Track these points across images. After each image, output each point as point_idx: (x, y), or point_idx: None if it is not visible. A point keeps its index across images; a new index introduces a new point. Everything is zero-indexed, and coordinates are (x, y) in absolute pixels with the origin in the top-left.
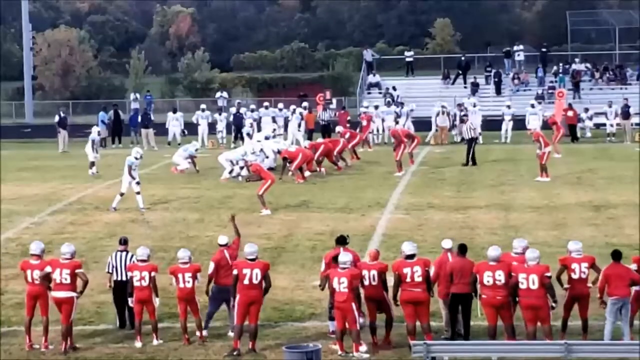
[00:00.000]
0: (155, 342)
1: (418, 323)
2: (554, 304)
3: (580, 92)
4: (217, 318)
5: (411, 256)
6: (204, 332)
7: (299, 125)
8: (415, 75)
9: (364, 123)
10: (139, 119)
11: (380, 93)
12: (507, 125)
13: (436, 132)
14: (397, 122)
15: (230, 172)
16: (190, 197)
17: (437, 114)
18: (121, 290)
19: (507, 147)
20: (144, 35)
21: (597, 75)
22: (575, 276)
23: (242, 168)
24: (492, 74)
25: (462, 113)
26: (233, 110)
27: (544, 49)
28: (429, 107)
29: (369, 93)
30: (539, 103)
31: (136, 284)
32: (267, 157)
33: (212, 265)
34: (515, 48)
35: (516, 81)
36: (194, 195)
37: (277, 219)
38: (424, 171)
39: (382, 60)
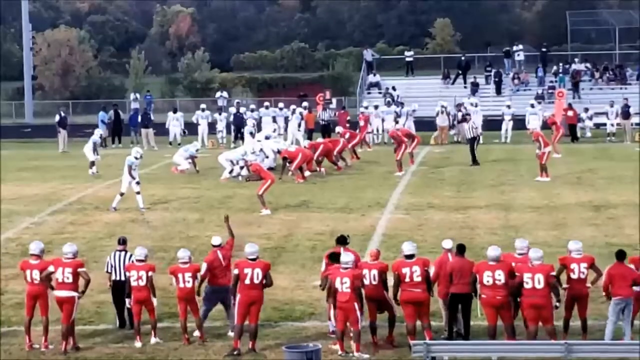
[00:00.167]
0: (153, 340)
1: (418, 323)
2: (557, 304)
3: (579, 92)
4: (218, 318)
5: (410, 256)
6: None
7: (299, 125)
8: (415, 75)
9: (362, 123)
10: (139, 119)
11: (380, 93)
12: (507, 125)
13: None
14: (397, 122)
15: (231, 172)
16: (190, 197)
17: (437, 114)
18: (120, 290)
19: (507, 147)
20: (144, 35)
21: (597, 75)
22: (574, 276)
23: (242, 168)
24: (492, 74)
25: (465, 113)
26: (233, 110)
27: (544, 49)
28: (428, 107)
29: (369, 93)
30: (539, 103)
31: (134, 284)
32: (267, 157)
33: (204, 266)
34: (515, 48)
35: (516, 81)
36: (194, 195)
37: (277, 219)
38: (424, 171)
39: (382, 60)
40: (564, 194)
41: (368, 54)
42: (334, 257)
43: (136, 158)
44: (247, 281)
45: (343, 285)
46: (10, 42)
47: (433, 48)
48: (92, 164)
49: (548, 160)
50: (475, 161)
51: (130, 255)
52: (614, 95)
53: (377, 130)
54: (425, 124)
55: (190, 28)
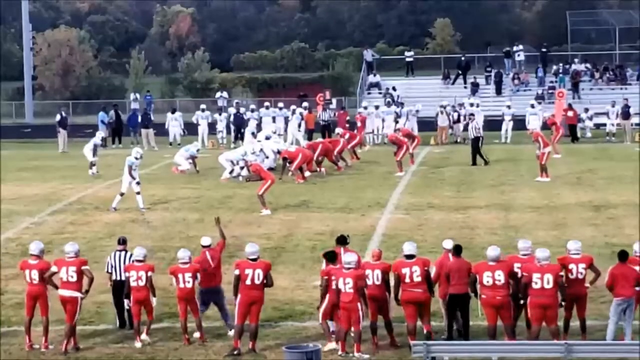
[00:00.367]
0: (143, 336)
1: (419, 323)
2: (563, 302)
3: (579, 92)
4: (218, 318)
5: (410, 256)
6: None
7: (299, 126)
8: (416, 75)
9: (359, 124)
10: (139, 119)
11: (380, 93)
12: (507, 125)
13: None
14: (397, 122)
15: (231, 172)
16: (190, 197)
17: (437, 114)
18: (121, 290)
19: (507, 147)
20: (144, 35)
21: (597, 75)
22: (572, 276)
23: (242, 168)
24: (492, 74)
25: (469, 113)
26: (233, 110)
27: (544, 49)
28: (429, 107)
29: (369, 93)
30: (539, 103)
31: (133, 284)
32: (267, 157)
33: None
34: (515, 48)
35: (516, 81)
36: (194, 195)
37: (277, 219)
38: (424, 171)
39: (382, 60)
40: (564, 194)
41: (368, 54)
42: (330, 256)
43: (136, 158)
44: (248, 281)
45: (346, 285)
46: (10, 42)
47: (433, 48)
48: (92, 164)
49: (548, 160)
50: (476, 162)
51: (131, 255)
52: (614, 95)
53: (377, 131)
54: (425, 124)
55: (190, 28)
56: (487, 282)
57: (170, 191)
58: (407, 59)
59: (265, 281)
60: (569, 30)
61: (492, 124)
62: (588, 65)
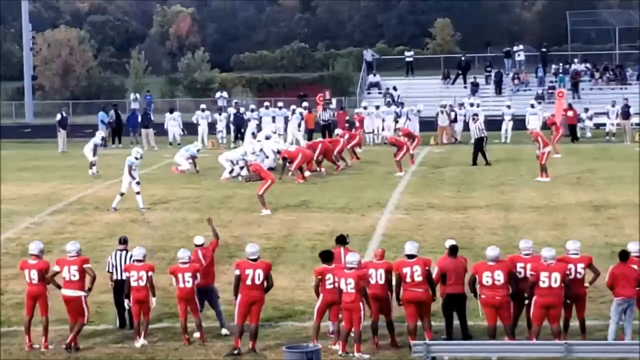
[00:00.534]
0: (141, 340)
1: (419, 323)
2: (568, 301)
3: (579, 92)
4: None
5: (411, 256)
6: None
7: (299, 125)
8: (415, 75)
9: (357, 124)
10: (139, 119)
11: (380, 93)
12: (507, 125)
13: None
14: (397, 122)
15: (231, 172)
16: (190, 197)
17: (437, 114)
18: (121, 289)
19: (507, 147)
20: (144, 35)
21: (597, 75)
22: (571, 276)
23: (242, 168)
24: (492, 74)
25: (472, 113)
26: (233, 110)
27: (544, 49)
28: (429, 107)
29: (369, 93)
30: (539, 103)
31: (133, 284)
32: (267, 157)
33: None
34: (515, 48)
35: (516, 81)
36: (194, 195)
37: (277, 219)
38: (424, 171)
39: (382, 60)
40: (564, 194)
41: (368, 54)
42: (324, 256)
43: (136, 158)
44: (249, 281)
45: (348, 285)
46: (10, 42)
47: (433, 48)
48: (92, 164)
49: (548, 160)
50: (476, 162)
51: (132, 255)
52: (614, 95)
53: (377, 130)
54: (425, 124)
55: (190, 28)
56: (487, 282)
57: (170, 191)
58: (407, 59)
59: (265, 282)
60: (569, 30)
61: (492, 124)
62: (588, 65)
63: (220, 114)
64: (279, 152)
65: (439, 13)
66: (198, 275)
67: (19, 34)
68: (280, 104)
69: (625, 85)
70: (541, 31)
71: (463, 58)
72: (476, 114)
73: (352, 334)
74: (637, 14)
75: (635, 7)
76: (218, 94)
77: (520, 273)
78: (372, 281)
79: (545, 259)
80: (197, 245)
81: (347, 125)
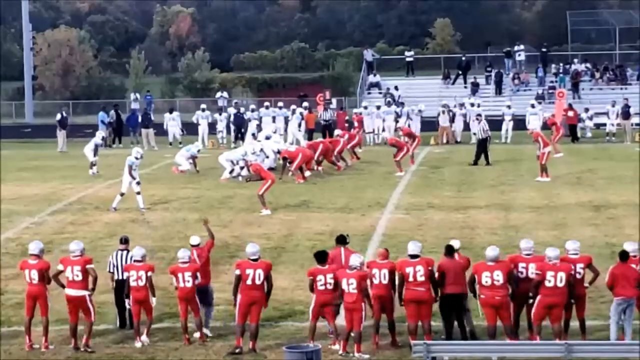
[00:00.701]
0: (143, 337)
1: (420, 323)
2: (572, 300)
3: (579, 92)
4: (218, 318)
5: (414, 256)
6: (206, 331)
7: (299, 125)
8: (416, 75)
9: (356, 124)
10: (139, 119)
11: (380, 93)
12: (507, 125)
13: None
14: (397, 122)
15: (231, 172)
16: (190, 197)
17: (439, 114)
18: (122, 289)
19: (507, 147)
20: (144, 35)
21: (597, 75)
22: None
23: (242, 168)
24: (493, 74)
25: (476, 113)
26: (233, 110)
27: (544, 49)
28: (429, 107)
29: (369, 93)
30: (539, 103)
31: (133, 284)
32: (267, 157)
33: None
34: (516, 48)
35: (516, 81)
36: (194, 195)
37: (277, 219)
38: (424, 171)
39: (382, 60)
40: (564, 194)
41: (368, 54)
42: (318, 257)
43: (136, 158)
44: (249, 281)
45: (350, 286)
46: (10, 42)
47: (433, 48)
48: (92, 164)
49: (548, 160)
50: (477, 162)
51: (132, 255)
52: (614, 95)
53: (378, 130)
54: (425, 124)
55: (190, 28)
56: (486, 282)
57: (170, 191)
58: (407, 59)
59: (265, 282)
60: (569, 30)
61: (493, 124)
62: (588, 65)
63: (220, 114)
64: (279, 152)
65: (439, 13)
66: (199, 274)
67: (19, 34)
68: (280, 104)
69: (625, 85)
70: (541, 31)
71: (463, 58)
72: (479, 114)
73: (352, 334)
74: (637, 14)
75: (635, 7)
76: (218, 94)
77: (521, 273)
78: (376, 281)
79: (550, 258)
80: (192, 246)
81: (346, 125)
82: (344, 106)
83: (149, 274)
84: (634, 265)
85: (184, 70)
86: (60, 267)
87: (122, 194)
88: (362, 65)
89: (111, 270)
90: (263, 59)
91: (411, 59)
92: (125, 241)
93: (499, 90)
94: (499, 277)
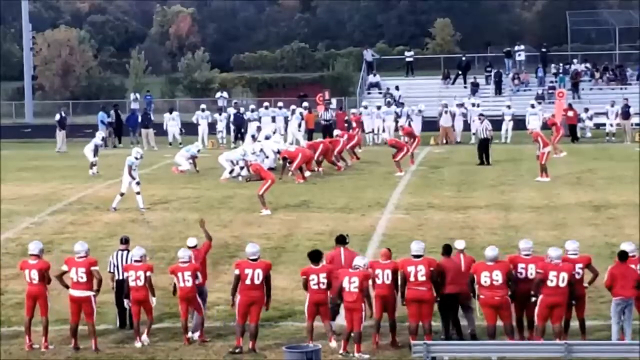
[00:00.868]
0: (144, 337)
1: (420, 323)
2: (573, 301)
3: (579, 92)
4: (218, 318)
5: (417, 256)
6: (192, 335)
7: (299, 125)
8: (415, 75)
9: (354, 124)
10: (139, 119)
11: (380, 93)
12: (507, 125)
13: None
14: (397, 122)
15: (231, 172)
16: (190, 197)
17: (441, 114)
18: (123, 289)
19: (507, 147)
20: (144, 35)
21: (597, 75)
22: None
23: (242, 168)
24: (492, 74)
25: (478, 113)
26: (233, 110)
27: (544, 49)
28: (429, 107)
29: (369, 93)
30: (539, 103)
31: (132, 284)
32: (267, 157)
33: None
34: (516, 48)
35: (516, 81)
36: (194, 195)
37: (277, 219)
38: (424, 171)
39: (382, 60)
40: (564, 194)
41: (368, 54)
42: (312, 256)
43: (136, 158)
44: (248, 281)
45: (351, 284)
46: (10, 42)
47: (433, 48)
48: (92, 164)
49: (548, 160)
50: (483, 162)
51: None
52: (614, 95)
53: (378, 130)
54: (425, 124)
55: (190, 28)
56: (485, 282)
57: (170, 191)
58: (407, 59)
59: (264, 282)
60: (569, 30)
61: (493, 124)
62: (588, 65)
63: (220, 114)
64: (279, 152)
65: (439, 13)
66: (199, 274)
67: (19, 34)
68: (280, 104)
69: (625, 85)
70: (541, 31)
71: (463, 58)
72: (482, 114)
73: (352, 334)
74: (637, 14)
75: (635, 7)
76: (218, 94)
77: (521, 274)
78: (379, 281)
79: (551, 258)
80: (189, 247)
81: (346, 125)
82: (343, 106)
83: (148, 273)
84: (633, 266)
85: (184, 70)
86: (65, 267)
87: (122, 194)
88: (362, 65)
89: (111, 271)
90: (263, 59)
91: (411, 59)
92: (125, 241)
93: (498, 90)
94: (498, 277)
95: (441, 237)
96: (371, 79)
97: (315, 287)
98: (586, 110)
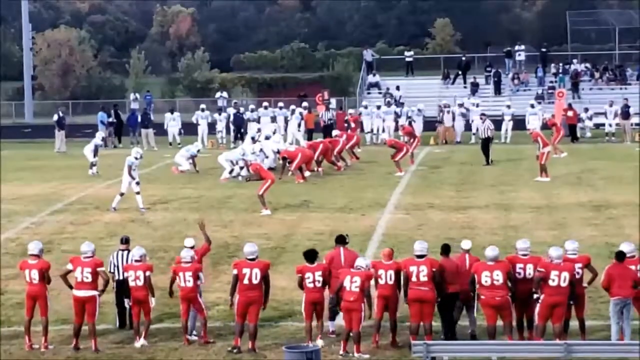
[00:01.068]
0: (141, 341)
1: (421, 323)
2: (572, 302)
3: (579, 92)
4: (218, 318)
5: (420, 256)
6: (192, 337)
7: (299, 126)
8: (415, 75)
9: (352, 125)
10: (139, 119)
11: (380, 93)
12: (507, 125)
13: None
14: (397, 122)
15: (231, 172)
16: (190, 197)
17: (443, 114)
18: (123, 289)
19: (507, 147)
20: (144, 35)
21: (597, 75)
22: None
23: (242, 168)
24: (492, 73)
25: (479, 113)
26: (232, 110)
27: (544, 49)
28: (429, 107)
29: (368, 93)
30: (539, 103)
31: (131, 284)
32: (267, 157)
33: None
34: (516, 48)
35: (516, 81)
36: (194, 195)
37: (277, 219)
38: (423, 171)
39: (382, 60)
40: (564, 194)
41: (368, 54)
42: (307, 256)
43: (136, 158)
44: (246, 281)
45: (353, 284)
46: (10, 42)
47: (433, 48)
48: (92, 164)
49: (548, 160)
50: (489, 161)
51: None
52: (614, 95)
53: (377, 130)
54: (425, 124)
55: (190, 28)
56: (486, 282)
57: (170, 191)
58: (407, 59)
59: (263, 282)
60: (569, 30)
61: (492, 124)
62: (588, 65)
63: (220, 114)
64: (278, 152)
65: (439, 13)
66: (201, 275)
67: (19, 34)
68: (280, 104)
69: (625, 85)
70: (541, 31)
71: (463, 58)
72: (484, 114)
73: (351, 334)
74: (637, 14)
75: (635, 7)
76: (218, 94)
77: (519, 274)
78: (382, 282)
79: (552, 258)
80: (186, 248)
81: (345, 125)
82: (343, 106)
83: (148, 273)
84: (633, 266)
85: (184, 70)
86: (70, 266)
87: (121, 194)
88: (362, 65)
89: (112, 271)
90: (263, 59)
91: (411, 59)
92: (125, 241)
93: (498, 90)
94: (498, 277)
95: (441, 237)
96: (371, 79)
97: (311, 285)
98: (586, 110)
